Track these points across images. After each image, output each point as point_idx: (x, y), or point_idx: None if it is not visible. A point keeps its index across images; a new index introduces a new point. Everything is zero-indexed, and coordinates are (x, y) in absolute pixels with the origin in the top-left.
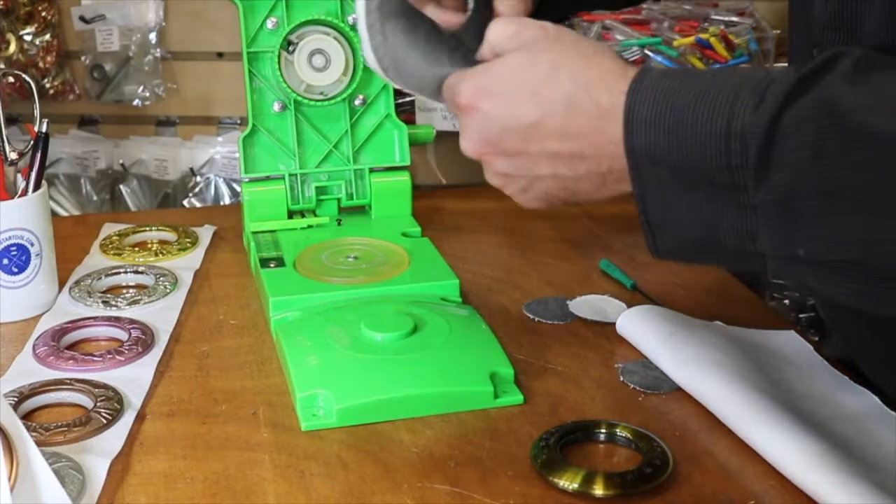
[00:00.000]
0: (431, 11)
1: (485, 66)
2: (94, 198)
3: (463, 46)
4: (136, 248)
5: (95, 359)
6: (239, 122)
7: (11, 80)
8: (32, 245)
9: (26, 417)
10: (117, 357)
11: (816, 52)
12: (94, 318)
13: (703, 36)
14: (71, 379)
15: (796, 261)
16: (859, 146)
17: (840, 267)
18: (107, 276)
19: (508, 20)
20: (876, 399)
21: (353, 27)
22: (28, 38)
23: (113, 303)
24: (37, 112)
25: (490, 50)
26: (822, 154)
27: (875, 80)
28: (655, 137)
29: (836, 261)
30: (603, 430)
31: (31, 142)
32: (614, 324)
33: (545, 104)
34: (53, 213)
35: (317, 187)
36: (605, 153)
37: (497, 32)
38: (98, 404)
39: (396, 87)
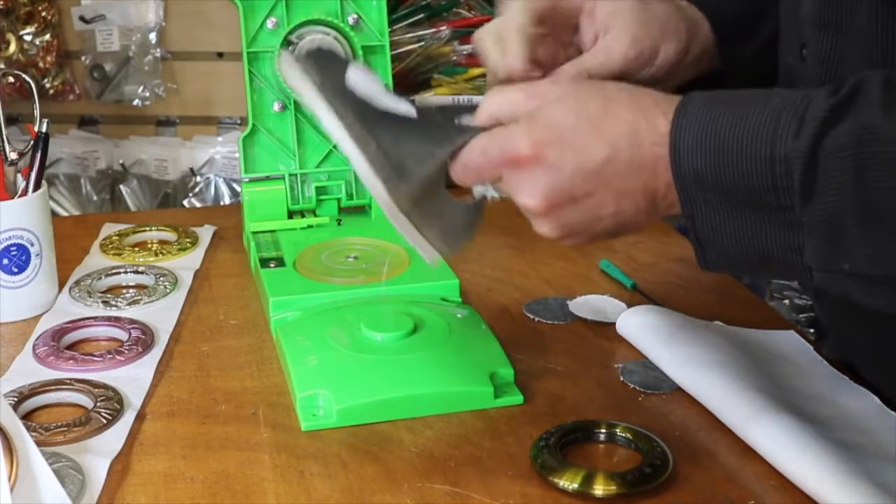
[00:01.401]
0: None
1: (529, 116)
2: (94, 198)
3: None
4: (136, 248)
5: (95, 359)
6: (239, 122)
7: (11, 80)
8: (32, 245)
9: (26, 417)
10: (117, 357)
11: (805, 51)
12: (94, 318)
13: None
14: (71, 379)
15: (841, 274)
16: (894, 171)
17: (883, 282)
18: (107, 276)
19: (506, 88)
20: (876, 399)
21: (353, 27)
22: (28, 38)
23: (113, 303)
24: (37, 112)
25: (488, 116)
26: (863, 179)
27: None
28: (702, 163)
29: (879, 276)
30: (603, 430)
31: (31, 142)
32: (614, 324)
33: (612, 141)
34: (53, 213)
35: (317, 187)
36: (665, 179)
37: (499, 101)
38: (98, 404)
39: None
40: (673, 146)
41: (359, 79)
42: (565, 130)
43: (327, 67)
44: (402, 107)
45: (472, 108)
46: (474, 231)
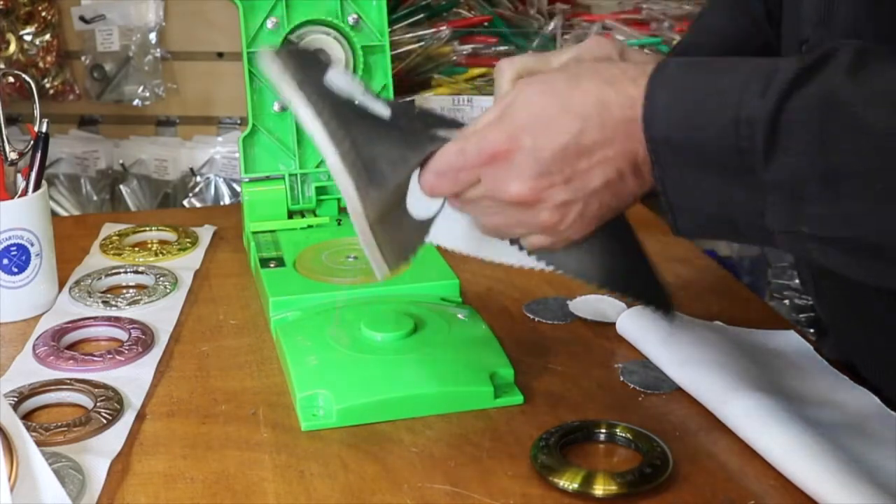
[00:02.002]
0: None
1: (498, 110)
2: (94, 198)
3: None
4: (136, 248)
5: (95, 359)
6: (239, 122)
7: (11, 80)
8: (32, 245)
9: (26, 417)
10: (117, 357)
11: (805, 48)
12: (94, 318)
13: None
14: (71, 379)
15: (801, 237)
16: (856, 136)
17: (842, 244)
18: (107, 276)
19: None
20: (876, 399)
21: (353, 27)
22: (28, 38)
23: (113, 303)
24: (37, 112)
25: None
26: (824, 141)
27: (872, 70)
28: (672, 125)
29: (838, 238)
30: (603, 430)
31: (31, 142)
32: (614, 324)
33: (580, 114)
34: (53, 213)
35: (317, 187)
36: (641, 139)
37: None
38: (98, 404)
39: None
40: (645, 110)
41: (338, 79)
42: (534, 114)
43: (308, 66)
44: (380, 108)
45: (453, 124)
46: (416, 252)
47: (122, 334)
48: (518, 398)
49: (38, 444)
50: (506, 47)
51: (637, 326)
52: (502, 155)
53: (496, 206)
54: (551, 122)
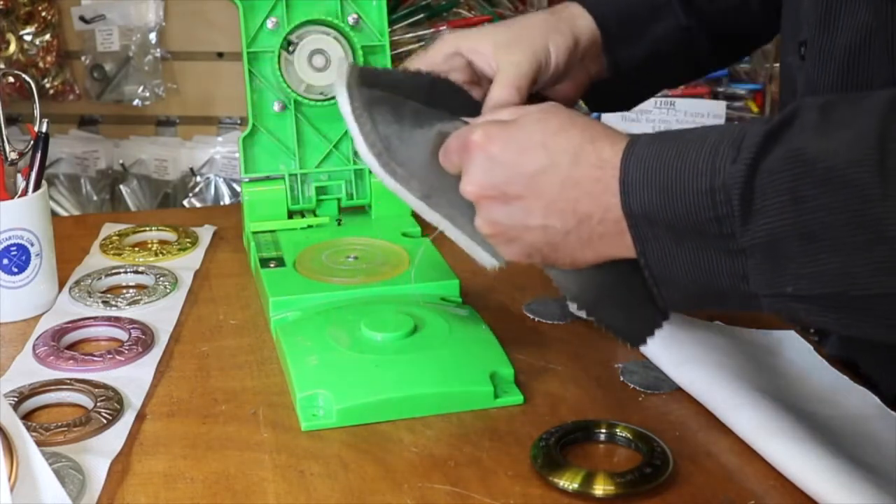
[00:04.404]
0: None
1: (499, 118)
2: (94, 198)
3: (452, 116)
4: (136, 248)
5: (95, 359)
6: (239, 122)
7: (11, 80)
8: (32, 245)
9: (26, 417)
10: (117, 357)
11: (804, 50)
12: (94, 318)
13: None
14: (71, 379)
15: (787, 298)
16: (828, 190)
17: (826, 301)
18: (107, 276)
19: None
20: (876, 399)
21: (354, 27)
22: (28, 38)
23: (113, 303)
24: (37, 112)
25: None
26: (797, 199)
27: (836, 123)
28: (649, 198)
29: (821, 295)
30: (603, 430)
31: (31, 142)
32: None
33: (553, 154)
34: (53, 213)
35: (317, 187)
36: (601, 203)
37: (498, 94)
38: (98, 404)
39: (389, 186)
40: (622, 184)
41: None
42: (517, 133)
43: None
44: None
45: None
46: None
47: (122, 334)
48: (518, 398)
49: (38, 444)
50: None
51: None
52: (471, 148)
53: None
54: (523, 148)
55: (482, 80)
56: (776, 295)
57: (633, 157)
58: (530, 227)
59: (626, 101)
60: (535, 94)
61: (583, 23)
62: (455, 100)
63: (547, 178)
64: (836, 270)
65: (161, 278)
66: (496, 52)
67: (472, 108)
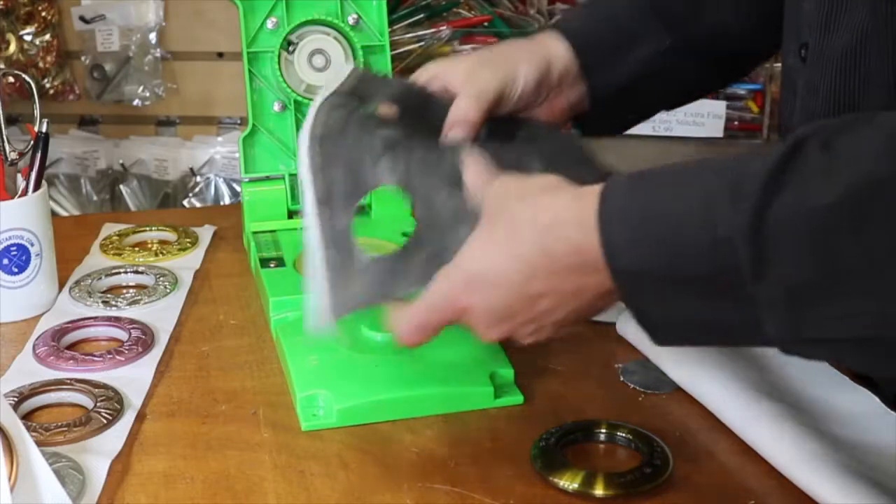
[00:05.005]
0: None
1: (447, 268)
2: (94, 198)
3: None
4: (136, 248)
5: (95, 359)
6: (239, 122)
7: (11, 80)
8: (32, 245)
9: (26, 417)
10: (117, 357)
11: (803, 51)
12: (94, 318)
13: None
14: (71, 379)
15: (809, 343)
16: (853, 235)
17: (853, 344)
18: (107, 276)
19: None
20: (876, 399)
21: (354, 27)
22: (28, 38)
23: (113, 303)
24: (37, 112)
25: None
26: (817, 246)
27: (844, 160)
28: (639, 256)
29: (848, 339)
30: (603, 430)
31: (31, 142)
32: (614, 324)
33: (525, 262)
34: (53, 213)
35: None
36: (596, 282)
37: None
38: (98, 404)
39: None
40: (605, 245)
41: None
42: (480, 269)
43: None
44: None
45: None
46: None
47: (122, 334)
48: (518, 398)
49: (38, 444)
50: None
51: (637, 327)
52: (461, 311)
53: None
54: (499, 276)
55: None
56: (796, 341)
57: (609, 217)
58: (561, 318)
59: (616, 126)
60: (510, 116)
61: (558, 50)
62: (441, 106)
63: (534, 286)
64: (871, 313)
65: (161, 278)
66: (467, 74)
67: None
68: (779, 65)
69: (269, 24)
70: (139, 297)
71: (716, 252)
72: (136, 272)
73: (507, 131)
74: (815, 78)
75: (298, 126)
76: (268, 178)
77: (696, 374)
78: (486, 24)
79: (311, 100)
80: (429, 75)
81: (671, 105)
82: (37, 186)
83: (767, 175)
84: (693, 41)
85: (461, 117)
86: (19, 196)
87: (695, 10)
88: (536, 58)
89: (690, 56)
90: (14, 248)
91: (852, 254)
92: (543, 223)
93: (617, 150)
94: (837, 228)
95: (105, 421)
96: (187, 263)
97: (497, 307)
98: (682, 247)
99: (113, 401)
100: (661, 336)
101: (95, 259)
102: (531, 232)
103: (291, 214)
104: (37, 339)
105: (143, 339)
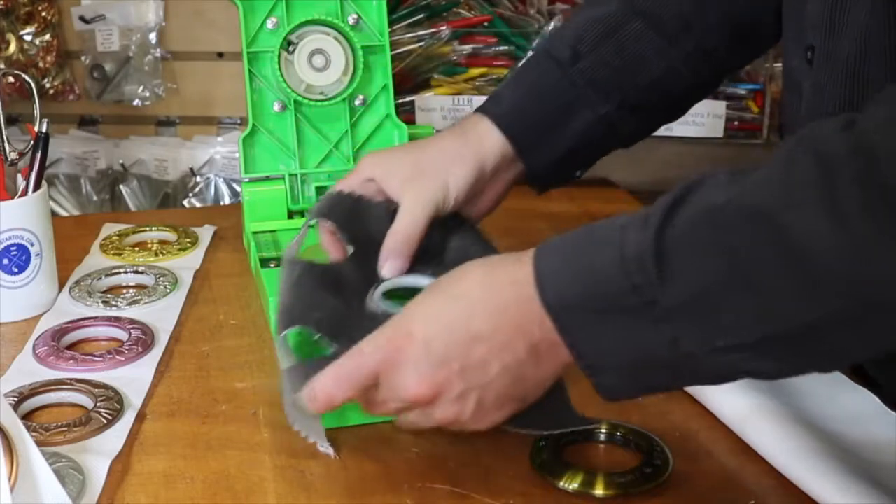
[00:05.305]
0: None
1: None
2: (94, 198)
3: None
4: (136, 248)
5: (95, 359)
6: (239, 122)
7: (11, 80)
8: (32, 245)
9: (26, 417)
10: (117, 357)
11: (811, 54)
12: (94, 318)
13: None
14: (71, 379)
15: (720, 352)
16: (738, 227)
17: (757, 346)
18: (107, 276)
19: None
20: (876, 399)
21: (354, 27)
22: (28, 38)
23: (113, 303)
24: (37, 112)
25: None
26: (709, 249)
27: (746, 173)
28: (564, 285)
29: (751, 343)
30: (603, 430)
31: (31, 142)
32: None
33: (468, 300)
34: (53, 213)
35: (317, 187)
36: (532, 318)
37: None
38: (98, 404)
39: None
40: (537, 282)
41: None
42: (424, 308)
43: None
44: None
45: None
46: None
47: (122, 334)
48: None
49: (38, 444)
50: (506, 47)
51: None
52: (396, 350)
53: (402, 405)
54: (441, 312)
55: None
56: (711, 351)
57: (543, 253)
58: (492, 378)
59: (564, 180)
60: (451, 214)
61: (491, 142)
62: (375, 211)
63: (475, 323)
64: (757, 310)
65: (161, 278)
66: (401, 185)
67: (391, 215)
68: (779, 65)
69: (269, 24)
70: (139, 297)
71: (626, 269)
72: (136, 272)
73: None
74: (822, 80)
75: (298, 126)
76: (268, 178)
77: None
78: (486, 24)
79: (311, 100)
80: (366, 175)
81: (624, 147)
82: (37, 186)
83: (672, 198)
84: (630, 96)
85: (396, 249)
86: (19, 196)
87: (632, 71)
88: (468, 161)
89: (626, 112)
90: (14, 248)
91: (736, 249)
92: (485, 265)
93: (616, 150)
94: (726, 226)
95: (105, 421)
96: (187, 263)
97: (436, 344)
98: (597, 269)
99: (113, 401)
100: (602, 378)
101: (95, 259)
102: (477, 268)
103: (291, 214)
104: (37, 339)
105: (143, 339)
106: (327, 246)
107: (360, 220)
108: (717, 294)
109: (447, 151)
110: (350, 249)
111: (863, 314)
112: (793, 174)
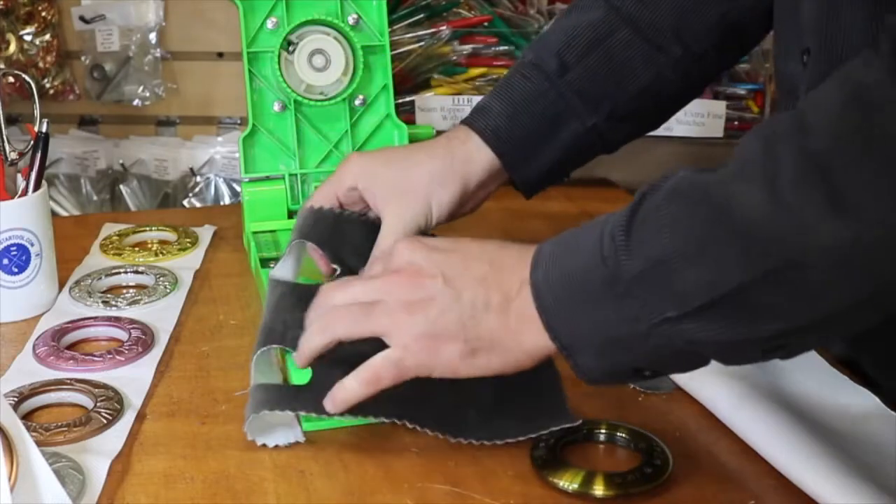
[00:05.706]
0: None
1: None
2: (94, 198)
3: None
4: (136, 248)
5: (95, 359)
6: (239, 122)
7: (11, 80)
8: (32, 245)
9: (26, 417)
10: (117, 357)
11: (805, 57)
12: (94, 318)
13: None
14: (71, 379)
15: (672, 321)
16: (692, 200)
17: (702, 312)
18: (107, 276)
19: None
20: (876, 399)
21: (354, 27)
22: (28, 38)
23: (113, 303)
24: (37, 112)
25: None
26: (665, 221)
27: (718, 166)
28: (551, 266)
29: (696, 308)
30: (603, 430)
31: (31, 142)
32: None
33: (482, 244)
34: (53, 213)
35: (317, 187)
36: (520, 279)
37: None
38: (98, 404)
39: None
40: (533, 260)
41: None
42: (438, 243)
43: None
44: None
45: None
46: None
47: (122, 334)
48: None
49: (38, 444)
50: (506, 47)
51: None
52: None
53: (367, 275)
54: (454, 243)
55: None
56: (663, 321)
57: (549, 242)
58: (465, 284)
59: (552, 184)
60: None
61: (478, 159)
62: (357, 228)
63: (478, 250)
64: (704, 278)
65: (161, 278)
66: (384, 200)
67: (374, 229)
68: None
69: (269, 24)
70: (139, 297)
71: (601, 244)
72: (136, 272)
73: None
74: (819, 82)
75: (298, 126)
76: (268, 178)
77: (696, 374)
78: (486, 24)
79: (311, 100)
80: (350, 184)
81: (608, 153)
82: (37, 186)
83: (650, 186)
84: (618, 106)
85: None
86: (19, 196)
87: (620, 80)
88: (453, 181)
89: (614, 122)
90: (14, 248)
91: (685, 218)
92: (504, 246)
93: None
94: (684, 200)
95: (105, 421)
96: (187, 263)
97: (438, 243)
98: (579, 248)
99: (113, 401)
100: (579, 359)
101: (95, 259)
102: (495, 249)
103: (291, 214)
104: (37, 339)
105: (143, 339)
106: (318, 264)
107: (342, 236)
108: (670, 263)
109: (434, 174)
110: (337, 269)
111: (784, 270)
112: (741, 153)
